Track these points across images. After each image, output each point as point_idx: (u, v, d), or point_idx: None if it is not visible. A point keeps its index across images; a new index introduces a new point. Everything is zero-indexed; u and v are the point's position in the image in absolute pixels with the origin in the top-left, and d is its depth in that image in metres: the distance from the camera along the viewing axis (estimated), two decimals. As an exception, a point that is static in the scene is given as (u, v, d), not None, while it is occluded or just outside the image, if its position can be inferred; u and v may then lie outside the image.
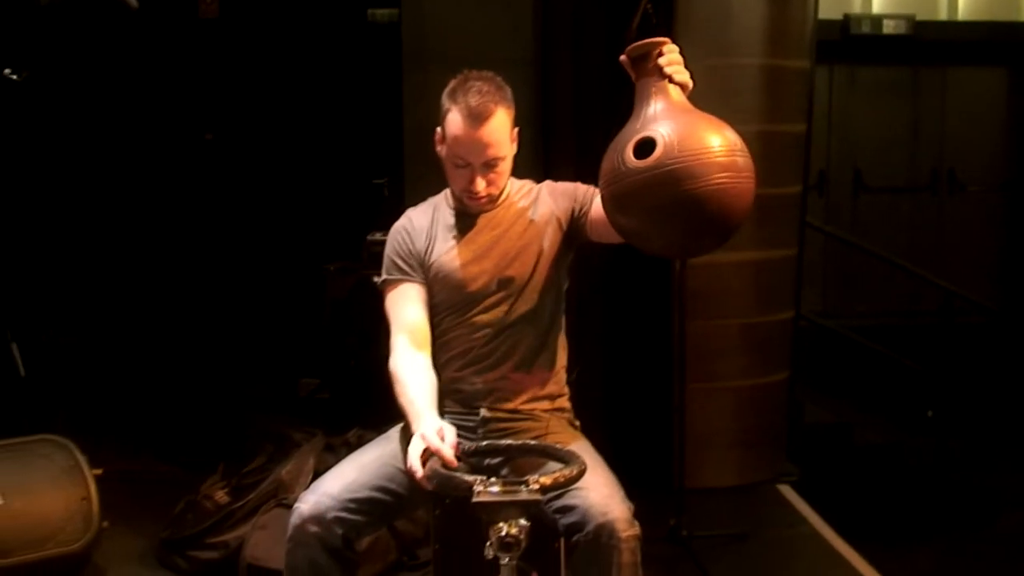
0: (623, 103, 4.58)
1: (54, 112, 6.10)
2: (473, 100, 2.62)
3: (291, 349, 5.87)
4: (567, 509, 2.50)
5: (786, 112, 4.81)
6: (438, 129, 2.72)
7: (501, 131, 2.66)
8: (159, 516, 4.21)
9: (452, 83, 2.70)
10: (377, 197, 5.20)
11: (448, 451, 2.39)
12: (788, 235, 4.94)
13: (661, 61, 2.40)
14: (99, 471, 4.60)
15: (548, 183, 2.88)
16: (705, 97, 4.46)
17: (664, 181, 2.30)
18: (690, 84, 2.44)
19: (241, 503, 3.90)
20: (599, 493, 2.48)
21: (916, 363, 6.73)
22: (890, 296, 8.19)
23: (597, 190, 2.66)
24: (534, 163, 4.58)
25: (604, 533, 2.44)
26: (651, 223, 2.40)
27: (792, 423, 5.35)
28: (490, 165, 2.68)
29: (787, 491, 4.88)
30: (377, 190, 5.23)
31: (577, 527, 2.47)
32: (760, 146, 4.66)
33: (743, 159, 2.35)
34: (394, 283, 2.82)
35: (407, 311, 2.79)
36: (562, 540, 2.60)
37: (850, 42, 8.16)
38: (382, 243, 2.93)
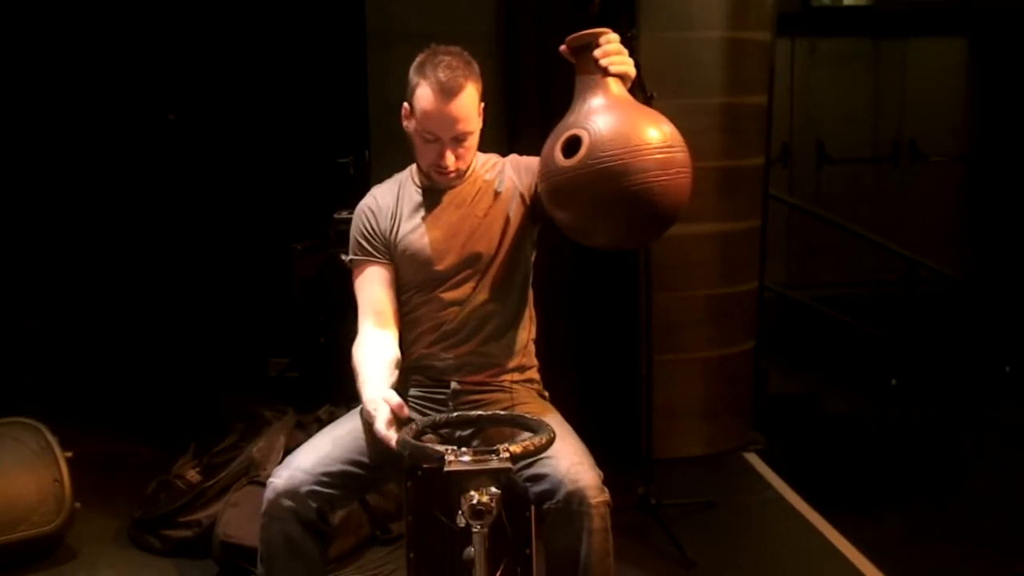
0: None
1: (16, 94, 6.05)
2: (443, 75, 2.62)
3: (260, 329, 5.87)
4: (538, 477, 2.53)
5: (748, 84, 4.84)
6: (405, 104, 2.72)
7: (470, 106, 2.67)
8: (132, 496, 4.23)
9: (420, 57, 2.70)
10: (343, 175, 5.20)
11: (386, 412, 2.45)
12: (752, 207, 4.98)
13: (596, 53, 2.42)
14: (70, 453, 4.63)
15: (513, 157, 2.89)
16: (667, 70, 4.58)
17: (593, 179, 2.32)
18: (632, 74, 2.47)
19: (213, 481, 3.92)
20: (569, 461, 2.52)
21: (880, 332, 6.80)
22: (854, 266, 8.28)
23: None
24: (499, 137, 4.60)
25: (574, 500, 2.47)
26: (584, 218, 2.44)
27: (758, 393, 5.41)
28: (459, 140, 2.69)
29: (754, 459, 4.93)
30: (343, 168, 5.23)
31: (548, 495, 2.50)
32: (722, 119, 4.78)
33: (680, 154, 2.36)
34: (360, 264, 2.83)
35: (372, 292, 2.80)
36: (533, 508, 2.63)
37: (811, 14, 8.22)
38: (349, 221, 2.93)
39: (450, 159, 2.70)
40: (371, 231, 2.82)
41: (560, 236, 2.78)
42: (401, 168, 2.91)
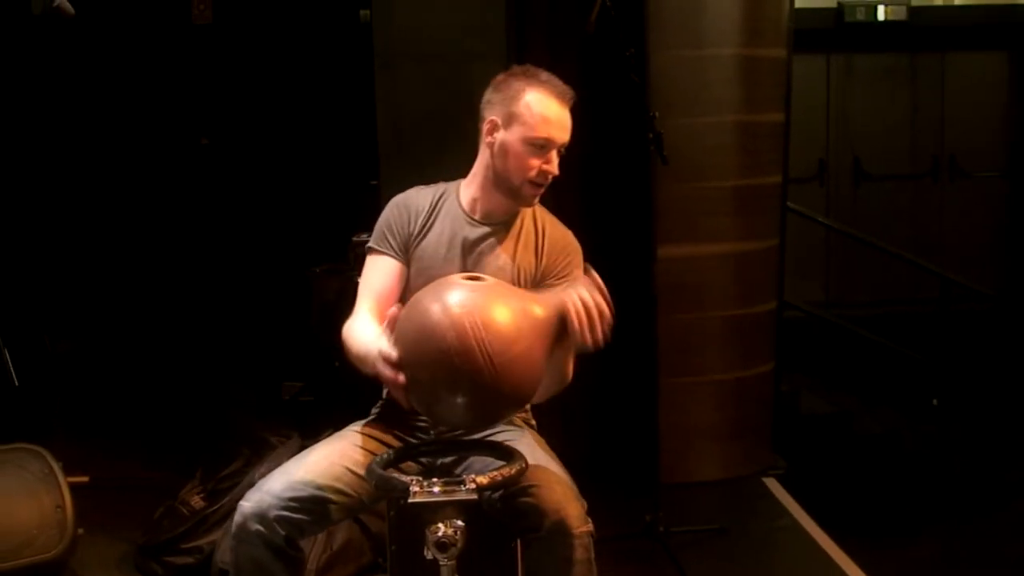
0: (599, 99, 4.59)
1: (51, 118, 6.13)
2: (557, 82, 2.68)
3: (276, 352, 5.86)
4: (520, 508, 2.47)
5: (763, 102, 4.78)
6: (493, 118, 2.71)
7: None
8: (141, 522, 4.20)
9: (515, 69, 2.75)
10: (364, 197, 5.18)
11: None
12: (769, 226, 4.90)
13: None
14: (86, 478, 4.64)
15: (563, 232, 2.87)
16: (679, 89, 4.53)
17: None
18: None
19: (215, 507, 3.89)
20: (551, 491, 2.46)
21: (917, 351, 6.68)
22: (891, 285, 8.13)
23: (577, 268, 2.74)
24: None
25: (557, 531, 2.42)
26: None
27: (783, 414, 5.31)
28: (560, 151, 2.71)
29: (772, 484, 4.83)
30: (371, 191, 5.21)
31: (531, 526, 2.45)
32: (737, 137, 4.72)
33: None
34: (376, 253, 2.81)
35: (378, 281, 2.78)
36: (518, 540, 2.59)
37: (845, 30, 8.12)
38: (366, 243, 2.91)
39: (555, 167, 2.70)
40: (397, 227, 2.80)
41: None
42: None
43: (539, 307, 2.37)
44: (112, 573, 4.01)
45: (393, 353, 2.36)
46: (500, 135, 2.70)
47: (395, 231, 2.80)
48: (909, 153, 8.48)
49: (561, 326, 2.38)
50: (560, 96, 2.66)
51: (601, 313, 2.38)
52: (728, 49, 4.65)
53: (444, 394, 2.29)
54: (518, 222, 2.82)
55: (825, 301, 8.05)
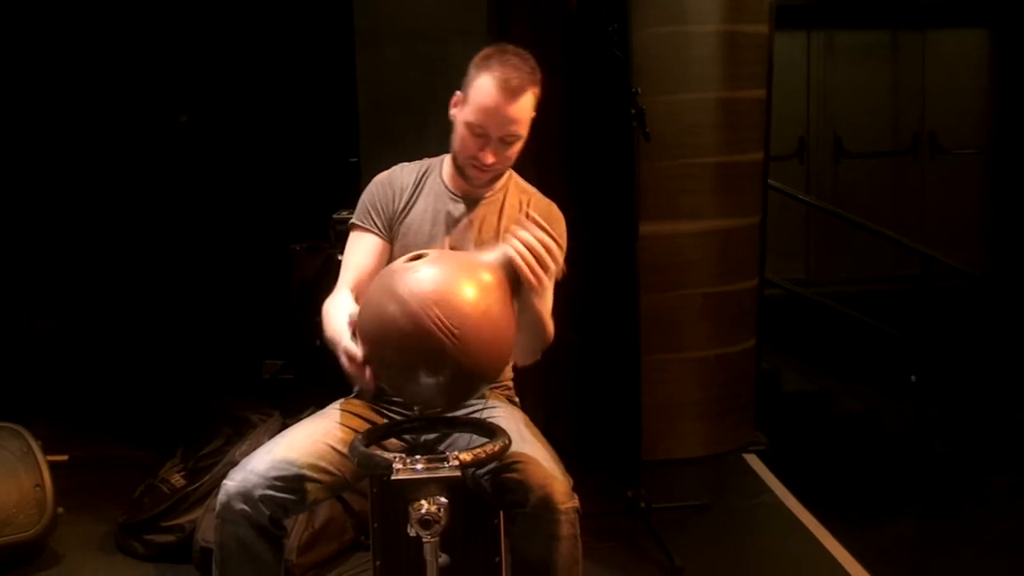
0: (582, 75, 4.58)
1: (29, 97, 6.07)
2: (510, 73, 2.58)
3: (256, 330, 5.84)
4: (505, 483, 2.47)
5: (745, 79, 4.76)
6: (458, 92, 2.67)
7: (527, 111, 2.63)
8: (122, 501, 4.18)
9: (487, 51, 2.67)
10: (345, 175, 5.15)
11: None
12: (751, 203, 4.90)
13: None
14: (65, 457, 4.62)
15: (546, 206, 2.82)
16: (661, 65, 4.51)
17: None
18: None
19: (196, 486, 3.88)
20: (537, 467, 2.46)
21: (897, 329, 6.70)
22: (872, 263, 8.16)
23: (561, 238, 2.69)
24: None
25: (542, 506, 2.41)
26: None
27: (764, 392, 5.33)
28: (507, 142, 2.64)
29: (754, 461, 4.84)
30: (353, 168, 5.18)
31: (516, 501, 2.44)
32: (719, 114, 4.71)
33: None
34: (359, 229, 2.80)
35: (360, 260, 2.77)
36: (502, 515, 2.59)
37: (827, 6, 8.13)
38: (347, 221, 2.90)
39: (490, 158, 2.64)
40: (381, 204, 2.79)
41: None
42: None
43: (485, 268, 2.34)
44: (93, 552, 3.99)
45: (358, 352, 2.34)
46: (456, 112, 2.69)
47: (379, 208, 2.79)
48: (890, 130, 8.50)
49: (514, 277, 2.34)
50: (505, 89, 2.57)
51: (545, 246, 2.32)
52: (710, 25, 4.63)
53: (417, 378, 2.27)
54: (501, 195, 2.80)
55: (805, 279, 8.07)
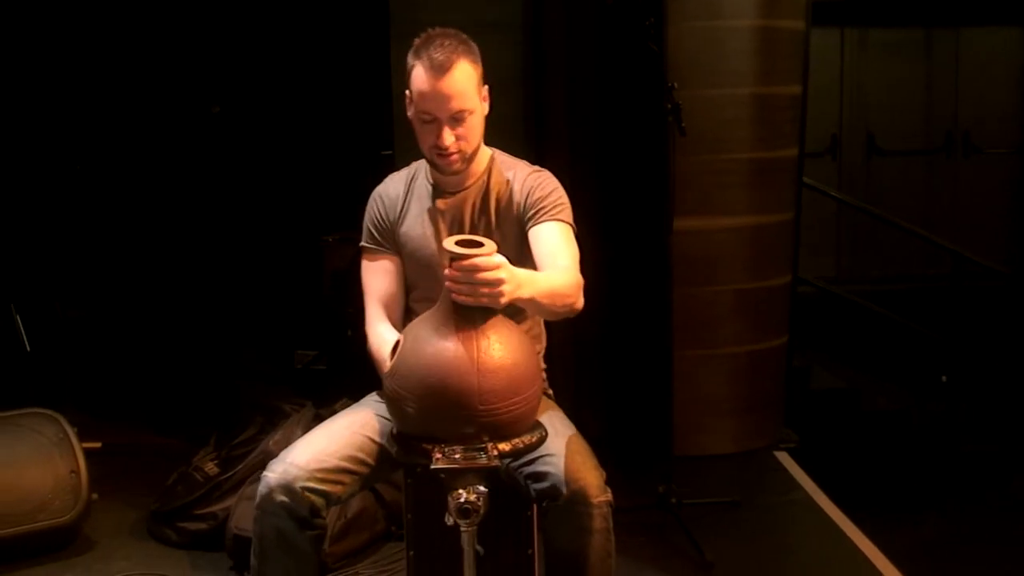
0: (617, 69, 4.56)
1: (63, 87, 6.11)
2: (436, 53, 2.57)
3: (289, 320, 5.87)
4: (539, 476, 2.48)
5: (780, 74, 4.73)
6: (407, 91, 2.67)
7: (465, 82, 2.60)
8: (154, 488, 4.22)
9: (416, 41, 2.65)
10: (378, 166, 5.17)
11: None
12: (784, 199, 4.87)
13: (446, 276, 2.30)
14: (98, 444, 4.65)
15: (533, 175, 2.79)
16: (696, 60, 4.50)
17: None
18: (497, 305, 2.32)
19: (229, 474, 3.90)
20: (571, 460, 2.46)
21: (928, 328, 6.67)
22: (903, 260, 8.12)
23: (559, 209, 2.68)
24: (526, 128, 4.54)
25: (576, 499, 2.43)
26: None
27: (794, 389, 5.31)
28: (457, 119, 2.61)
29: (784, 458, 4.82)
30: (385, 160, 5.20)
31: (549, 494, 2.45)
32: (753, 110, 4.69)
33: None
34: (368, 252, 2.84)
35: (376, 283, 2.81)
36: (535, 507, 2.59)
37: (860, 3, 8.06)
38: None
39: (448, 138, 2.61)
40: (378, 220, 2.82)
41: (583, 231, 2.73)
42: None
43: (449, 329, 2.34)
44: (126, 538, 4.02)
45: None
46: (409, 110, 2.69)
47: (377, 224, 2.81)
48: (923, 128, 8.45)
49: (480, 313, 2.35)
50: (432, 68, 2.56)
51: (472, 279, 2.26)
52: (746, 20, 4.60)
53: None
54: (484, 178, 2.78)
55: (836, 276, 8.04)
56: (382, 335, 2.72)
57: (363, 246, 2.85)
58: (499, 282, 2.26)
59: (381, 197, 2.84)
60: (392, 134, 4.65)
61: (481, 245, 2.30)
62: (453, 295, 2.29)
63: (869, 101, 8.38)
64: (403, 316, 2.82)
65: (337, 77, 6.06)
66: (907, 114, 8.42)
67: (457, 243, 2.30)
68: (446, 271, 2.30)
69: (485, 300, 2.27)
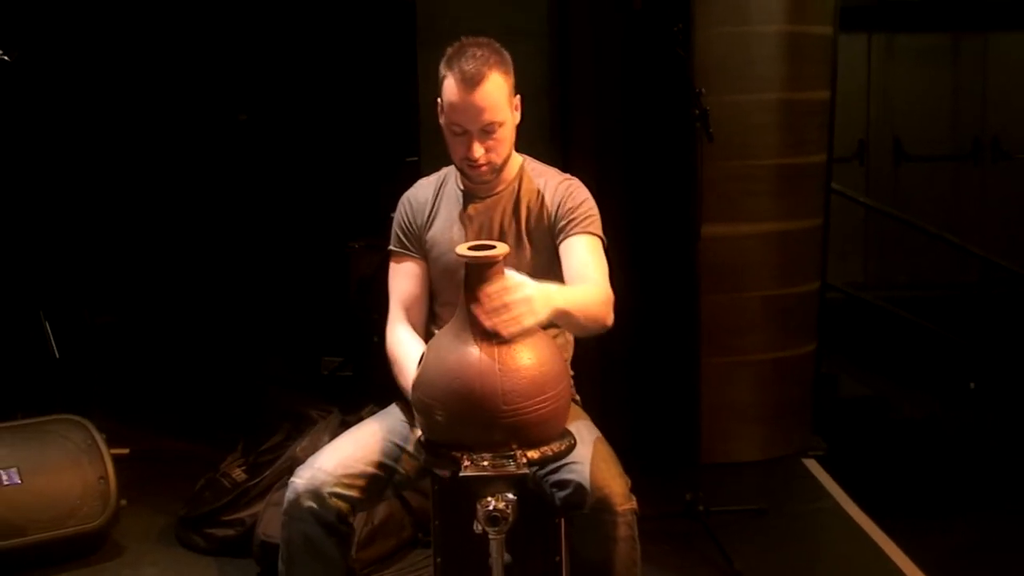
0: (644, 74, 4.54)
1: (91, 93, 6.15)
2: (467, 65, 2.56)
3: (315, 327, 5.88)
4: (564, 484, 2.47)
5: (808, 80, 4.70)
6: (439, 100, 2.68)
7: (497, 95, 2.59)
8: (182, 494, 4.22)
9: (448, 51, 2.65)
10: (404, 173, 5.17)
11: None
12: (813, 205, 4.84)
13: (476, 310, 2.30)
14: (126, 450, 4.67)
15: (564, 183, 2.77)
16: (724, 65, 4.48)
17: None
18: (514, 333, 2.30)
19: (257, 480, 3.91)
20: (595, 468, 2.46)
21: (956, 334, 6.62)
22: (931, 267, 8.07)
23: (590, 221, 2.68)
24: (552, 135, 4.53)
25: (600, 508, 2.43)
26: None
27: (822, 396, 5.28)
28: (488, 131, 2.61)
29: (812, 465, 4.79)
30: (410, 167, 5.20)
31: (574, 502, 2.45)
32: (781, 115, 4.67)
33: None
34: (396, 256, 2.84)
35: (403, 286, 2.81)
36: (562, 516, 2.58)
37: (887, 8, 8.04)
38: None
39: (478, 151, 2.61)
40: (406, 224, 2.82)
41: (610, 237, 2.72)
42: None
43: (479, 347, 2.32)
44: (154, 544, 4.03)
45: None
46: (440, 119, 2.68)
47: (405, 229, 2.82)
48: (950, 134, 8.41)
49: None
50: (464, 81, 2.55)
51: (498, 306, 2.26)
52: (774, 26, 4.58)
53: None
54: (515, 184, 2.77)
55: (864, 282, 8.00)
56: (400, 338, 2.74)
57: (391, 250, 2.86)
58: (521, 303, 2.24)
59: (410, 201, 2.85)
60: (418, 141, 4.64)
61: (493, 248, 2.31)
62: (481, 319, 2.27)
63: (896, 106, 8.36)
64: (427, 320, 2.83)
65: (363, 84, 6.08)
66: (935, 119, 8.39)
67: (470, 248, 2.32)
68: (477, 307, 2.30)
69: (513, 329, 2.25)
